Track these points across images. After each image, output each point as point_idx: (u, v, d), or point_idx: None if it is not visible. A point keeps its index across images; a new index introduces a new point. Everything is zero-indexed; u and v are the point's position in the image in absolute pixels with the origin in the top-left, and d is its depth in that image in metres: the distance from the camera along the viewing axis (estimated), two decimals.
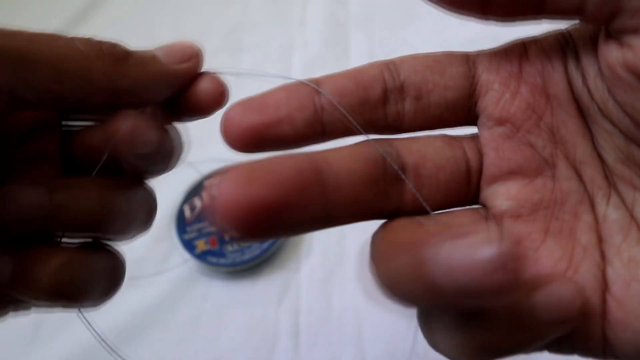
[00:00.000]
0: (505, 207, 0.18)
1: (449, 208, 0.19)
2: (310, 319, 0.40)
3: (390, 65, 0.19)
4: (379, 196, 0.18)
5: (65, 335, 0.39)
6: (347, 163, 0.17)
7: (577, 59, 0.18)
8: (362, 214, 0.18)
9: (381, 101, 0.19)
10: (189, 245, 0.42)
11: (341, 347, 0.39)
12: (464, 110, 0.19)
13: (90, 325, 0.23)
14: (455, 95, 0.19)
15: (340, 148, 0.18)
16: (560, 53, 0.18)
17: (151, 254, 0.44)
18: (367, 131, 0.19)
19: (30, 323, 0.40)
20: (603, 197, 0.18)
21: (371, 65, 0.19)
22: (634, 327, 0.16)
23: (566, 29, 0.19)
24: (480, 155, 0.19)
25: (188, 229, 0.43)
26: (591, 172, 0.18)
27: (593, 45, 0.17)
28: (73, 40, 0.19)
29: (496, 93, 0.19)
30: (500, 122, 0.19)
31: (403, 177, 0.18)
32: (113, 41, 0.20)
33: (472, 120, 0.20)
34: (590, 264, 0.17)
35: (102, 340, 0.24)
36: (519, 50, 0.19)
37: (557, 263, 0.17)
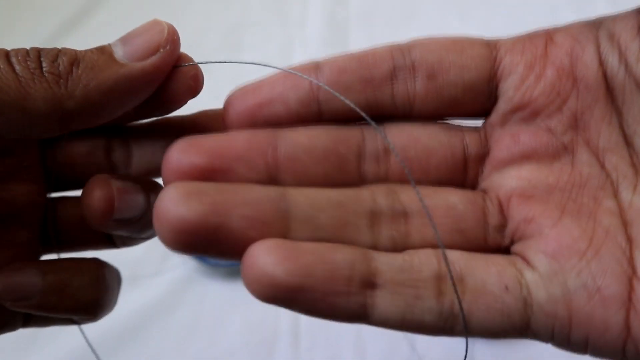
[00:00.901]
0: (515, 185, 0.17)
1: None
2: (310, 319, 0.40)
3: (401, 46, 0.18)
4: (344, 173, 0.17)
5: (64, 336, 0.39)
6: (308, 138, 0.17)
7: (613, 38, 0.17)
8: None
9: (388, 79, 0.18)
10: None
11: (341, 347, 0.39)
12: (483, 94, 0.18)
13: (84, 334, 0.22)
14: (474, 77, 0.18)
15: (309, 127, 0.17)
16: (591, 35, 0.18)
17: (151, 254, 0.44)
18: (372, 114, 0.18)
19: None
20: (629, 185, 0.17)
21: (380, 47, 0.18)
22: None
23: (594, 18, 0.18)
24: (485, 144, 0.18)
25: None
26: (615, 160, 0.17)
27: (635, 19, 0.17)
28: (6, 58, 0.16)
29: (519, 76, 0.18)
30: (520, 107, 0.18)
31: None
32: (57, 49, 0.17)
33: (490, 107, 0.19)
34: (613, 247, 0.16)
35: (93, 350, 0.23)
36: (544, 36, 0.18)
37: (576, 242, 0.16)
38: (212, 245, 0.15)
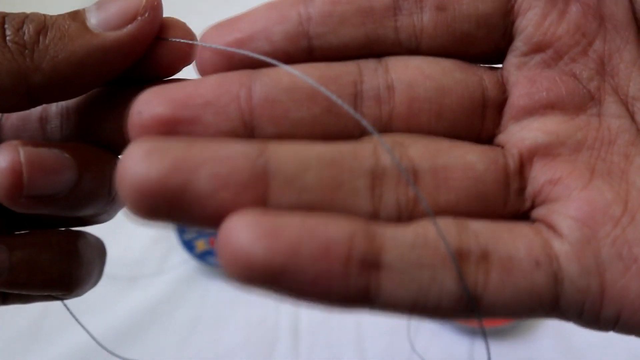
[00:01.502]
0: (541, 140, 0.15)
1: None
2: (310, 319, 0.40)
3: None
4: (336, 118, 0.15)
5: (65, 335, 0.39)
6: (289, 76, 0.14)
7: None
8: (304, 134, 0.15)
9: (390, 11, 0.15)
10: (188, 245, 0.42)
11: (341, 347, 0.39)
12: (499, 29, 0.16)
13: (84, 327, 0.22)
14: (489, 8, 0.16)
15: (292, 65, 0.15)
16: None
17: (151, 254, 0.44)
18: (373, 49, 0.16)
19: (30, 324, 0.40)
20: None
21: None
22: None
23: None
24: (503, 89, 0.16)
25: (188, 229, 0.43)
26: None
27: None
28: None
29: (540, 11, 0.16)
30: (541, 47, 0.16)
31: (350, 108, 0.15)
32: (23, 15, 0.15)
33: (505, 48, 0.16)
34: None
35: (97, 341, 0.23)
36: None
37: (610, 206, 0.14)
38: (178, 209, 0.13)
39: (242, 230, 0.12)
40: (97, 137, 0.18)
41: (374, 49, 0.16)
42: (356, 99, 0.15)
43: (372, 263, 0.13)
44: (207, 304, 0.41)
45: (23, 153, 0.16)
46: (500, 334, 0.38)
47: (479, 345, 0.38)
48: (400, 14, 0.15)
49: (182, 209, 0.13)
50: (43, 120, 0.18)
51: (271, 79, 0.14)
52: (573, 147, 0.15)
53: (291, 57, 0.15)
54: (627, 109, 0.15)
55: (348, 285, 0.13)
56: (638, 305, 0.14)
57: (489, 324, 0.38)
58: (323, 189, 0.13)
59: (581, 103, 0.15)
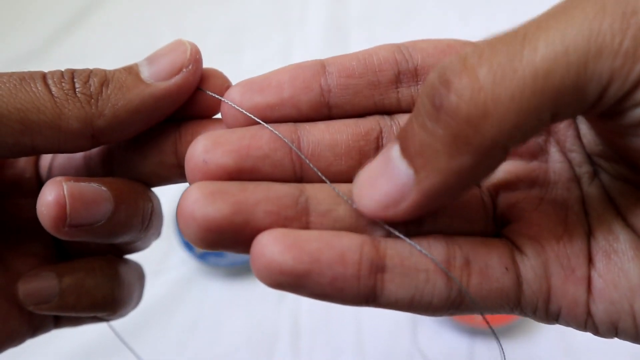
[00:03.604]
0: (504, 178, 0.19)
1: None
2: (310, 319, 0.40)
3: (402, 48, 0.19)
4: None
5: (66, 334, 0.39)
6: (330, 134, 0.18)
7: None
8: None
9: (393, 84, 0.19)
10: (189, 245, 0.42)
11: (341, 347, 0.39)
12: None
13: (115, 331, 0.24)
14: None
15: (328, 122, 0.18)
16: None
17: (151, 254, 0.43)
18: (378, 112, 0.19)
19: None
20: (588, 179, 0.19)
21: (381, 47, 0.19)
22: (611, 296, 0.17)
23: None
24: None
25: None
26: (579, 158, 0.19)
27: None
28: (43, 80, 0.17)
29: None
30: None
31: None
32: (88, 70, 0.18)
33: None
34: (581, 233, 0.18)
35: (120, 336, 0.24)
36: None
37: (555, 227, 0.18)
38: (238, 241, 0.16)
39: (272, 245, 0.15)
40: (133, 172, 0.20)
41: (379, 111, 0.19)
42: (379, 150, 0.18)
43: (378, 266, 0.16)
44: (207, 304, 0.41)
45: (66, 188, 0.18)
46: (500, 334, 0.38)
47: (479, 345, 0.38)
48: (400, 86, 0.19)
49: (242, 242, 0.15)
50: (86, 157, 0.20)
51: (316, 137, 0.18)
52: (528, 183, 0.19)
53: (313, 119, 0.18)
54: (566, 157, 0.19)
55: (359, 286, 0.16)
56: (573, 304, 0.17)
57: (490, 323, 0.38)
58: (350, 219, 0.17)
59: (534, 152, 0.19)
